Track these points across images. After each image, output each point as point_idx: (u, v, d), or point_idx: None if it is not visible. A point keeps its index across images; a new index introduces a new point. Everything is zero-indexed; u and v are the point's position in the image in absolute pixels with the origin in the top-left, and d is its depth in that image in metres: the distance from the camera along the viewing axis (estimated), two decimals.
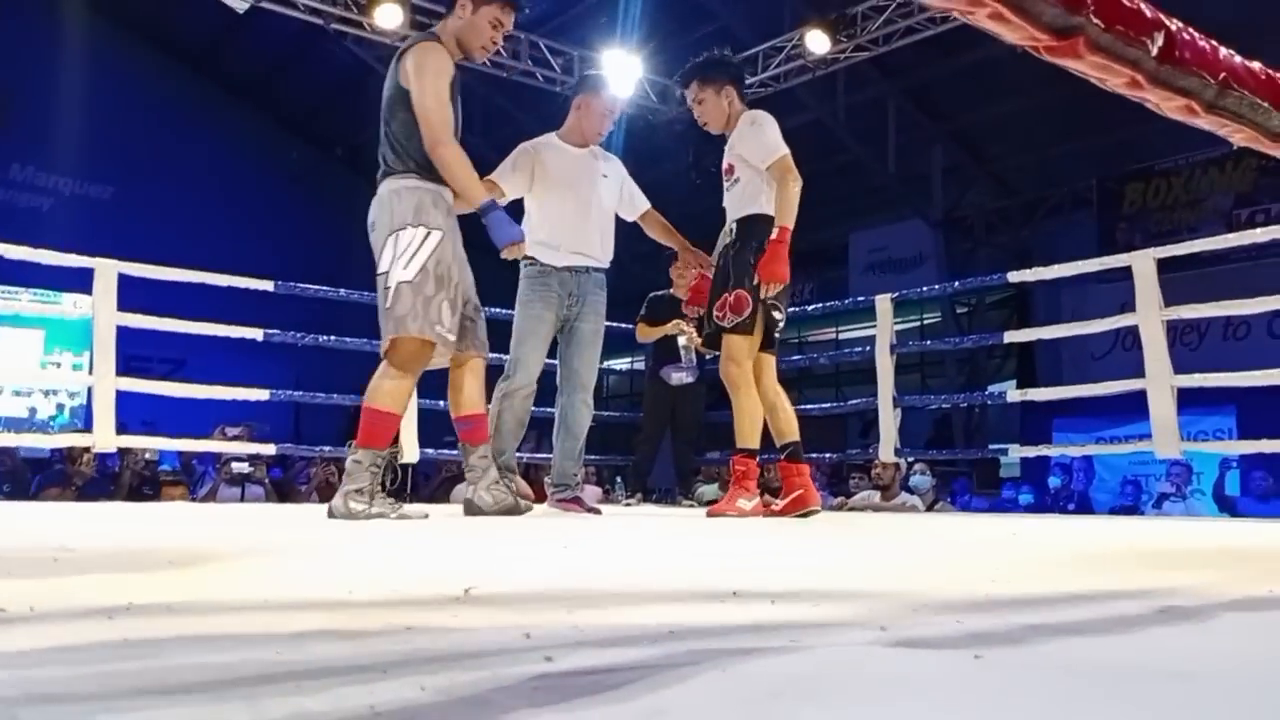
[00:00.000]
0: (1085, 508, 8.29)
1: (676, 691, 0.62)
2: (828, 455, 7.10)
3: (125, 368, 4.53)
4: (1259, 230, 4.42)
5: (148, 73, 14.65)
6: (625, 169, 4.02)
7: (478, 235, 3.62)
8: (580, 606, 1.07)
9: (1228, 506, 7.51)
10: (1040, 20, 1.24)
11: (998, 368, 12.93)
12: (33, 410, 13.27)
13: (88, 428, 4.71)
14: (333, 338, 5.11)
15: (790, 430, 3.59)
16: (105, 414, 4.34)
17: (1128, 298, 4.37)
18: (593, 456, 6.68)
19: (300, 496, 7.16)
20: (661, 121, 11.28)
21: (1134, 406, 4.39)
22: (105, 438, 4.42)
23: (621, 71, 10.13)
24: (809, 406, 7.10)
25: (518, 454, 3.88)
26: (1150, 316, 4.23)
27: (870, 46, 9.72)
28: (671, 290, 5.40)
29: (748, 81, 10.45)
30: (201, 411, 6.77)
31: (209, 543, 2.06)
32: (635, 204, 3.98)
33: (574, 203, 3.74)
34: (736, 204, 3.59)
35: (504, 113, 12.29)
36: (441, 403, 5.17)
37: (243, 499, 6.55)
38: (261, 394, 4.82)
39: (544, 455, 4.03)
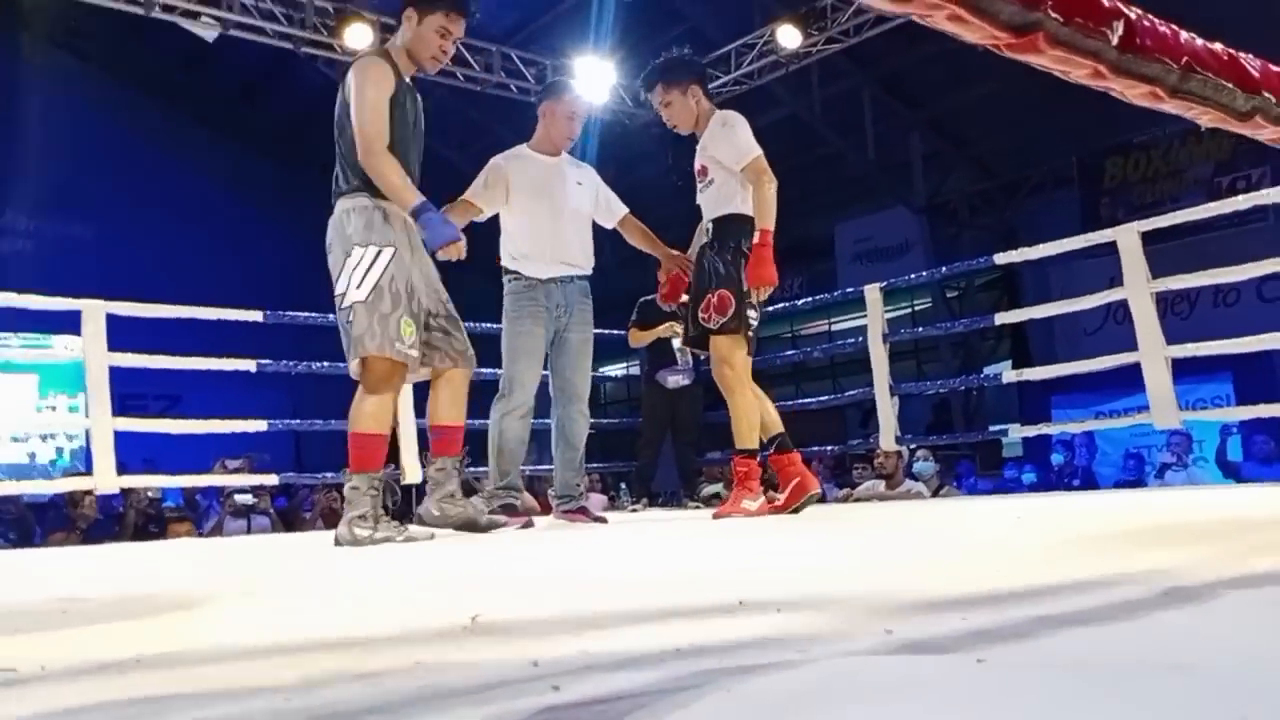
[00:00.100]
0: (1090, 483, 8.30)
1: (680, 717, 0.63)
2: (829, 448, 7.11)
3: (121, 407, 4.52)
4: (1240, 198, 4.43)
5: (118, 107, 14.62)
6: (599, 176, 4.02)
7: (470, 252, 3.63)
8: (587, 628, 1.08)
9: (1232, 472, 7.52)
10: (999, 19, 1.24)
11: (992, 349, 12.96)
12: (32, 455, 13.23)
13: (88, 470, 4.70)
14: (326, 363, 5.10)
15: (773, 424, 3.62)
16: (105, 455, 4.33)
17: (1115, 272, 4.38)
18: (595, 464, 6.69)
19: (306, 524, 7.15)
20: (638, 126, 11.30)
21: (1131, 379, 4.40)
22: (106, 479, 4.41)
23: (595, 78, 10.15)
24: (807, 400, 7.11)
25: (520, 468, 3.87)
26: (1139, 290, 4.24)
27: (841, 38, 9.75)
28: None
29: (722, 80, 10.56)
30: (201, 445, 6.76)
31: (215, 582, 2.06)
32: (612, 210, 3.96)
33: (550, 212, 3.73)
34: (712, 204, 3.59)
35: (480, 126, 12.31)
36: None
37: (249, 530, 6.54)
38: (260, 425, 4.82)
39: (546, 467, 4.03)
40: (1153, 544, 1.82)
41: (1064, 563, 1.55)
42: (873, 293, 5.31)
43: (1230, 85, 1.51)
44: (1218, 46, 1.55)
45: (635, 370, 10.55)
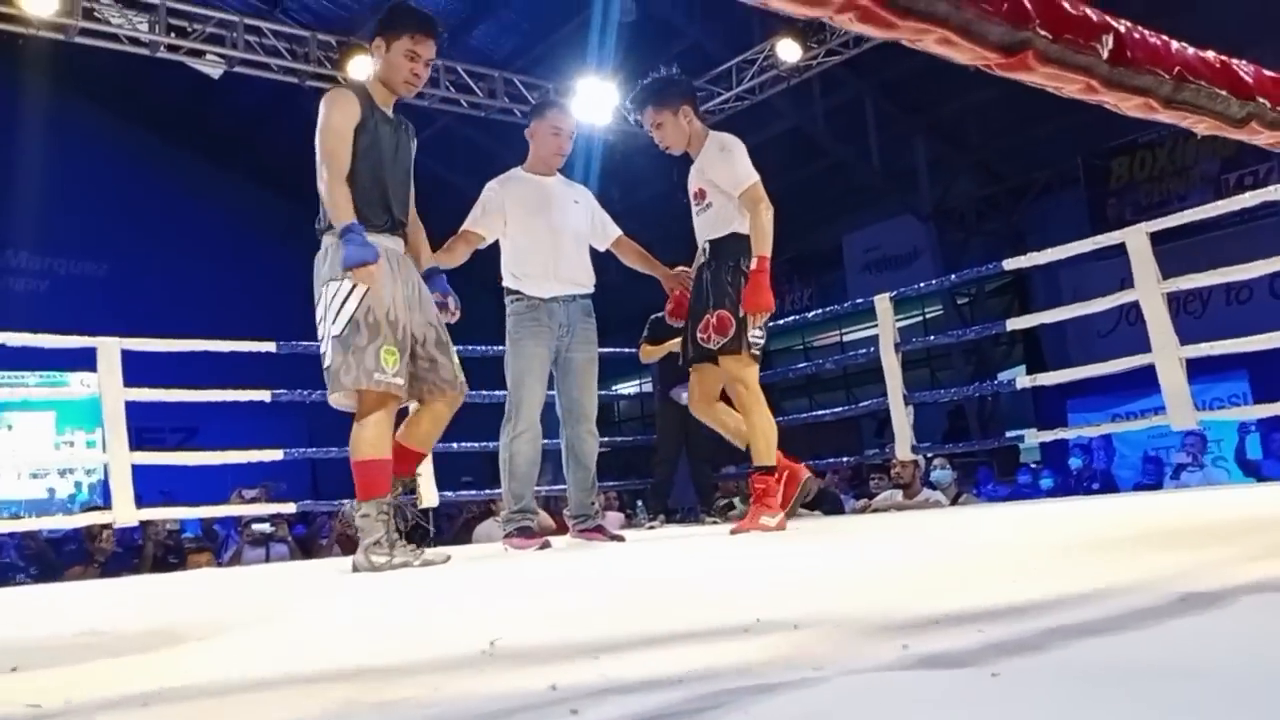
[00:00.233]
0: (1110, 486, 8.23)
1: None
2: (845, 459, 7.09)
3: (138, 440, 4.55)
4: (1248, 195, 4.40)
5: (126, 145, 14.84)
6: (597, 198, 4.02)
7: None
8: (605, 650, 1.08)
9: (1252, 471, 7.45)
10: (988, 39, 1.25)
11: (1005, 355, 12.90)
12: (51, 491, 13.34)
13: (107, 503, 4.74)
14: None
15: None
16: (123, 489, 4.36)
17: (1126, 273, 4.36)
18: (612, 482, 6.69)
19: (324, 551, 7.16)
20: (642, 145, 11.34)
21: (1147, 380, 4.37)
22: (125, 512, 4.44)
23: (597, 99, 10.19)
24: (821, 412, 7.09)
25: (535, 488, 3.87)
26: (1150, 291, 4.22)
27: (841, 50, 9.77)
28: None
29: (724, 97, 10.60)
30: (219, 476, 6.78)
31: (234, 612, 2.07)
32: (607, 232, 3.96)
33: (548, 230, 3.73)
34: (710, 227, 3.60)
35: (486, 151, 12.37)
36: (455, 444, 5.25)
37: (268, 559, 6.56)
38: (275, 454, 4.85)
39: (561, 487, 4.04)
40: (1167, 547, 1.81)
41: (1078, 570, 1.54)
42: (882, 302, 5.30)
43: (1224, 93, 1.51)
44: (1210, 54, 1.55)
45: (648, 387, 10.55)
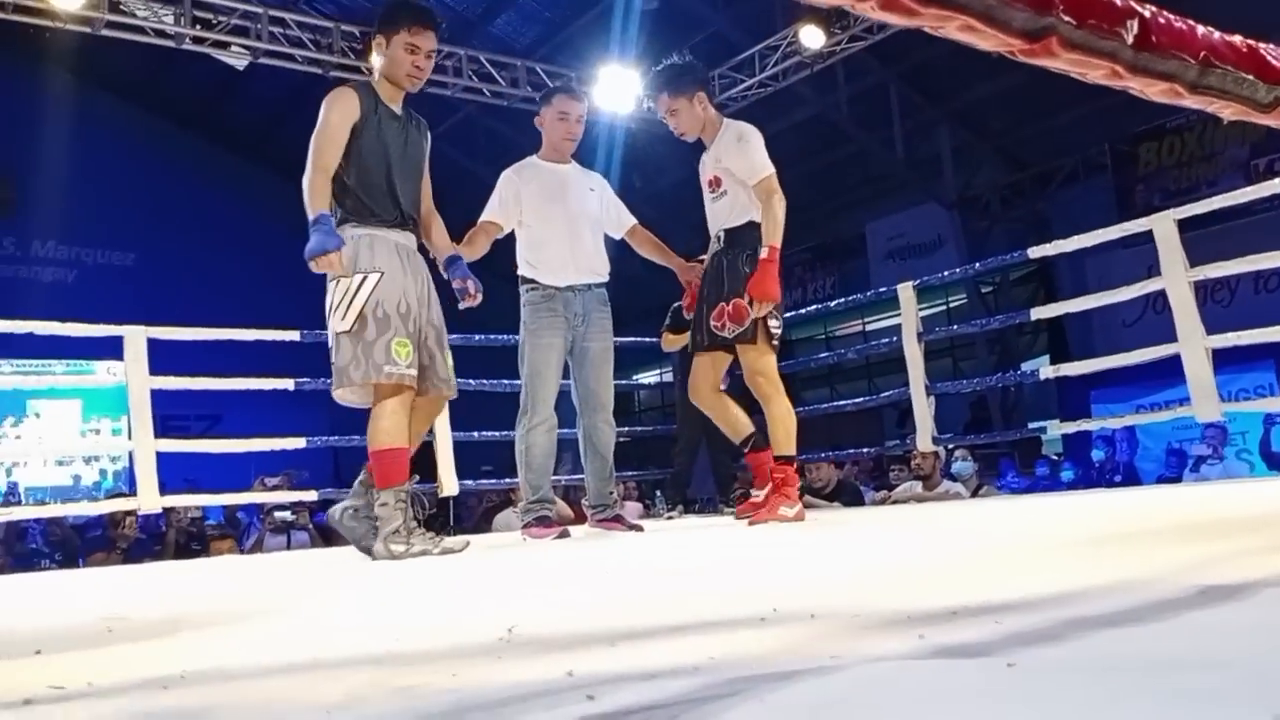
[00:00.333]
0: (1132, 479, 8.16)
1: None
2: (866, 449, 7.06)
3: (163, 428, 4.60)
4: (1277, 181, 4.34)
5: (152, 136, 15.01)
6: (617, 185, 4.01)
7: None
8: (622, 638, 1.08)
9: (1277, 464, 7.36)
10: (1011, 26, 1.23)
11: (1029, 344, 12.79)
12: (76, 478, 13.53)
13: (132, 491, 4.79)
14: None
15: (745, 426, 3.68)
16: (147, 476, 4.41)
17: (1153, 260, 4.31)
18: (631, 472, 6.70)
19: (344, 539, 7.21)
20: (664, 133, 11.29)
21: (1172, 371, 4.32)
22: (150, 499, 4.49)
23: (619, 87, 10.16)
24: (842, 402, 7.06)
25: (554, 477, 3.88)
26: (1177, 279, 4.17)
27: (865, 35, 9.70)
28: None
29: (746, 84, 10.53)
30: (242, 463, 6.86)
31: (256, 598, 2.09)
32: (621, 221, 3.95)
33: (564, 218, 3.72)
34: (725, 215, 3.59)
35: (509, 140, 12.37)
36: (475, 434, 5.28)
37: (289, 546, 6.62)
38: (298, 442, 4.88)
39: (580, 477, 4.05)
40: (1186, 540, 1.79)
41: (1096, 562, 1.53)
42: (906, 291, 5.27)
43: (1251, 77, 1.48)
44: (1236, 39, 1.52)
45: (669, 377, 10.53)
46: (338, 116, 2.95)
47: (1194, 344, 4.09)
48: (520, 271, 3.76)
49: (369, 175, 2.97)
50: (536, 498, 3.66)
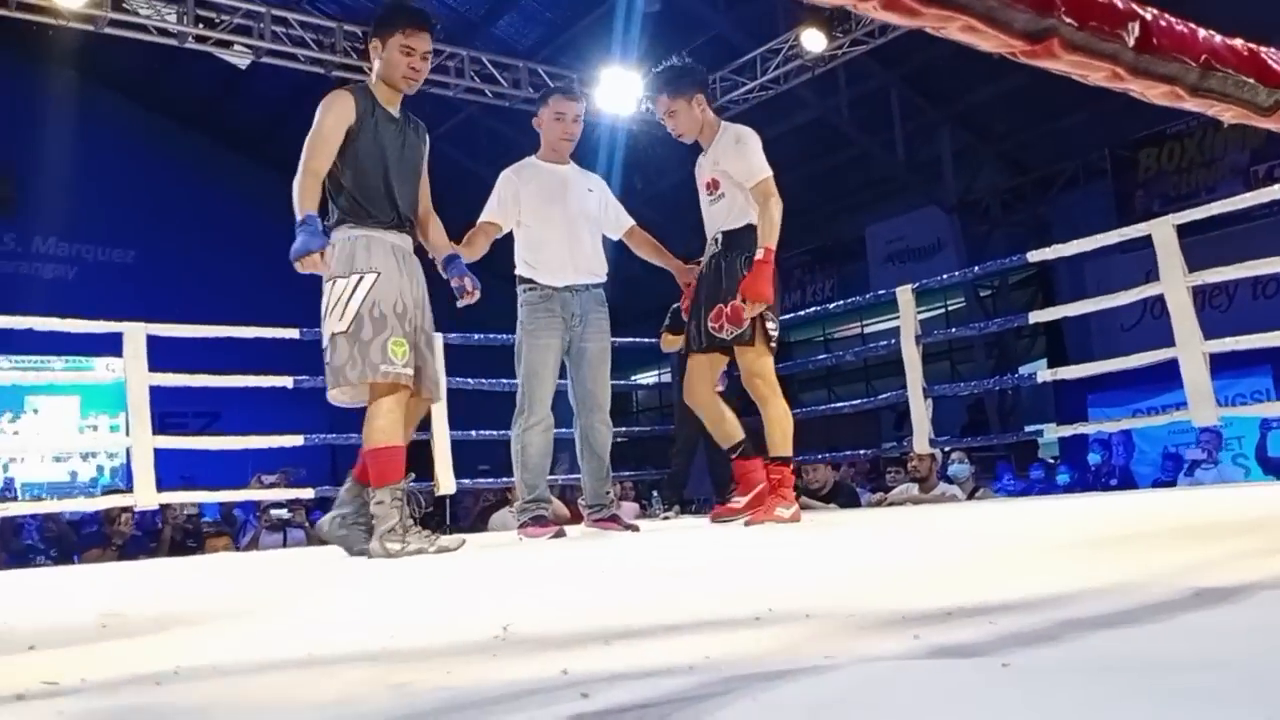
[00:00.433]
0: (1128, 483, 8.17)
1: None
2: (863, 451, 7.06)
3: (161, 425, 4.60)
4: (1277, 187, 4.34)
5: (153, 134, 15.03)
6: (617, 187, 4.01)
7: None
8: (616, 637, 1.08)
9: (1273, 469, 7.37)
10: (1012, 27, 1.23)
11: (1027, 348, 12.80)
12: (74, 474, 13.52)
13: (129, 487, 4.79)
14: None
15: (736, 431, 3.69)
16: (144, 473, 4.40)
17: (1151, 265, 4.31)
18: (627, 472, 6.69)
19: None
20: (665, 135, 11.29)
21: (1169, 375, 4.33)
22: (146, 496, 4.48)
23: (621, 89, 10.16)
24: (840, 404, 7.07)
25: (551, 477, 3.88)
26: (1175, 284, 4.17)
27: (866, 39, 9.70)
28: None
29: (748, 87, 10.53)
30: (240, 461, 6.85)
31: (250, 596, 2.09)
32: (620, 222, 3.95)
33: (563, 218, 3.72)
34: (723, 217, 3.59)
35: (511, 141, 12.37)
36: (474, 433, 5.27)
37: (285, 544, 6.62)
38: (296, 439, 4.88)
39: (576, 476, 4.04)
40: (1181, 542, 1.79)
41: (1091, 564, 1.53)
42: (904, 294, 5.27)
43: (1251, 80, 1.48)
44: (1237, 42, 1.52)
45: (667, 377, 10.54)
46: (332, 120, 2.95)
47: (1191, 349, 4.09)
48: (518, 271, 3.76)
49: (366, 177, 2.97)
50: (532, 497, 3.66)
